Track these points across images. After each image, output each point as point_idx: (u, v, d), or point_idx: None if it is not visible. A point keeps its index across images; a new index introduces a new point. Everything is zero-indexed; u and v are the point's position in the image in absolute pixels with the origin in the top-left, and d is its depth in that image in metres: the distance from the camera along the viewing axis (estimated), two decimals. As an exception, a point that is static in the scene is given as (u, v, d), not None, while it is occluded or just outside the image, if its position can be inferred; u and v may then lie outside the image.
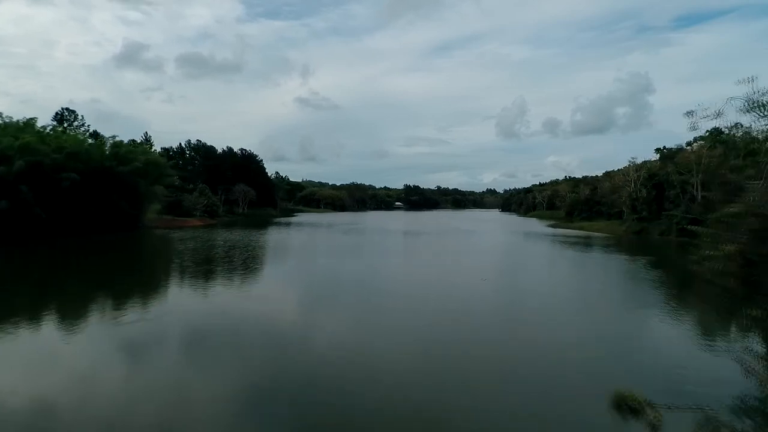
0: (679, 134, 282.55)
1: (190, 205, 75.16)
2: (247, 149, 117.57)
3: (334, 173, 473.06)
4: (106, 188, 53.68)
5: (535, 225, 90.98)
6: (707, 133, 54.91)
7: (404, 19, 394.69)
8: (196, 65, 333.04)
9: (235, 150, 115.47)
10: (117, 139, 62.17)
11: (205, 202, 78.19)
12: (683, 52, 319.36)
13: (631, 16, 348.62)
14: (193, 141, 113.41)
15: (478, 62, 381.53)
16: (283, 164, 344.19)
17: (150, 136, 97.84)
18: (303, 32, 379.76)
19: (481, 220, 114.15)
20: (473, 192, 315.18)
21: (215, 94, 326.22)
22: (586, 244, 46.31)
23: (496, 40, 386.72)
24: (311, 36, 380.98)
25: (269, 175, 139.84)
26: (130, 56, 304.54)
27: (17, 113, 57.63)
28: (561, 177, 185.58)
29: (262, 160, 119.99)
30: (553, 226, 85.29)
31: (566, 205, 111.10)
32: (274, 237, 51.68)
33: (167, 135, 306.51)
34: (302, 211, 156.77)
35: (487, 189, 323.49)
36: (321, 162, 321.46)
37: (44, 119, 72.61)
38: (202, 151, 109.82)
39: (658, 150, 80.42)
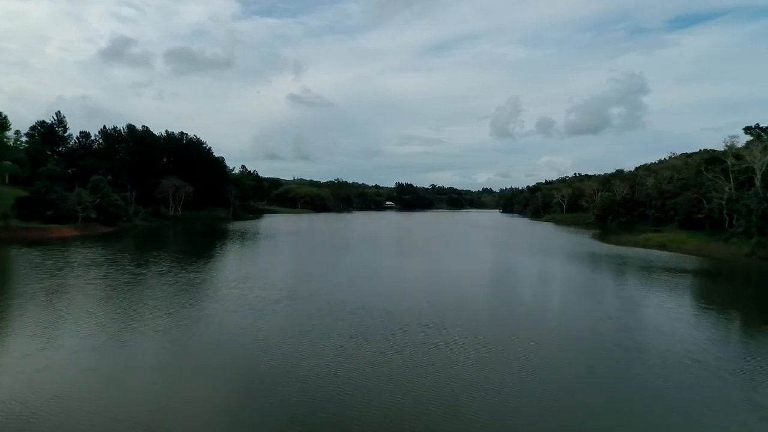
0: (676, 134, 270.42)
1: (70, 206, 51.21)
2: (188, 133, 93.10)
3: (327, 172, 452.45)
4: None
5: (568, 236, 66.06)
6: None
7: (400, 17, 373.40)
8: (185, 61, 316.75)
9: (175, 134, 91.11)
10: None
11: (97, 201, 54.03)
12: (679, 54, 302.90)
13: (626, 18, 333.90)
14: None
15: (474, 62, 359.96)
16: (276, 162, 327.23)
17: (5, 117, 62.62)
18: (298, 30, 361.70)
19: (488, 227, 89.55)
20: (470, 191, 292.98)
21: (208, 92, 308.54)
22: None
23: (492, 39, 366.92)
24: (306, 34, 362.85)
25: (230, 168, 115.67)
26: (118, 51, 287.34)
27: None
28: (555, 177, 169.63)
29: (210, 148, 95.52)
30: (599, 238, 58.92)
31: (596, 206, 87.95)
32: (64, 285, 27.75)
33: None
34: (273, 212, 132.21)
35: (483, 188, 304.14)
36: (315, 160, 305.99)
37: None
38: (131, 136, 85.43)
39: (747, 129, 57.42)
